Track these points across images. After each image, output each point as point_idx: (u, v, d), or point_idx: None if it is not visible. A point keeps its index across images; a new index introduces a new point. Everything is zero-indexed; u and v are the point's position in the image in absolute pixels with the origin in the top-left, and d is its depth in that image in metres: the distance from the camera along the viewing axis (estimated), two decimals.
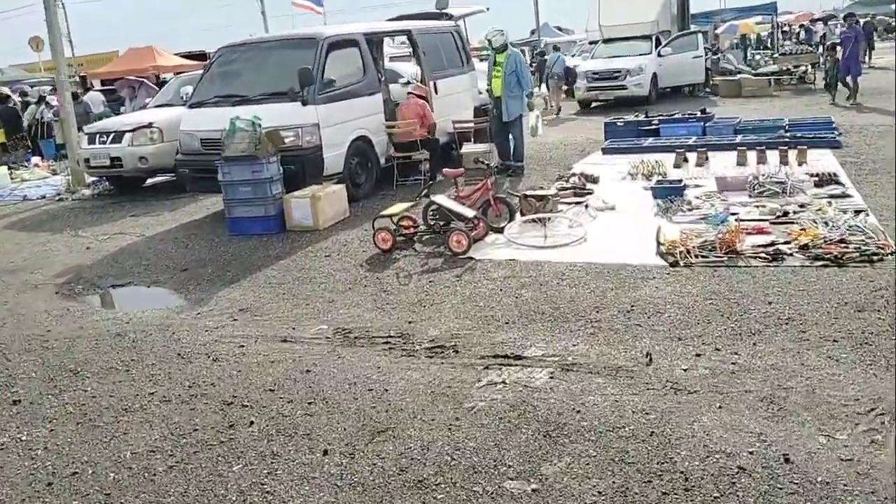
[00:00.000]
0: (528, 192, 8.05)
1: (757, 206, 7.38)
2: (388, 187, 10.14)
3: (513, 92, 10.46)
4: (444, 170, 7.69)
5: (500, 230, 7.30)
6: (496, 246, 6.97)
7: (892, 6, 44.46)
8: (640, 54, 19.41)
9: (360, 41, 9.92)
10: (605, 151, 11.71)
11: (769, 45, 29.76)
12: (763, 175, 8.55)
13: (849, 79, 16.08)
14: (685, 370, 4.10)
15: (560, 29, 42.34)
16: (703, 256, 6.00)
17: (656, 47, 19.72)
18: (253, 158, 8.01)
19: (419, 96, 10.22)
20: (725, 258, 5.91)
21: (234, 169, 8.11)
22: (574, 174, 9.64)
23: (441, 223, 7.31)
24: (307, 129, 8.72)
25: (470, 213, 6.97)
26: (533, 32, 40.27)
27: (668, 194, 8.14)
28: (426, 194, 7.18)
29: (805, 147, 9.67)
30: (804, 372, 3.96)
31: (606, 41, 20.52)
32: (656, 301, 5.17)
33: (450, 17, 13.16)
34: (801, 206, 7.28)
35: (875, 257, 5.58)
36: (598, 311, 5.09)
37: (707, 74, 21.13)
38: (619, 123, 13.25)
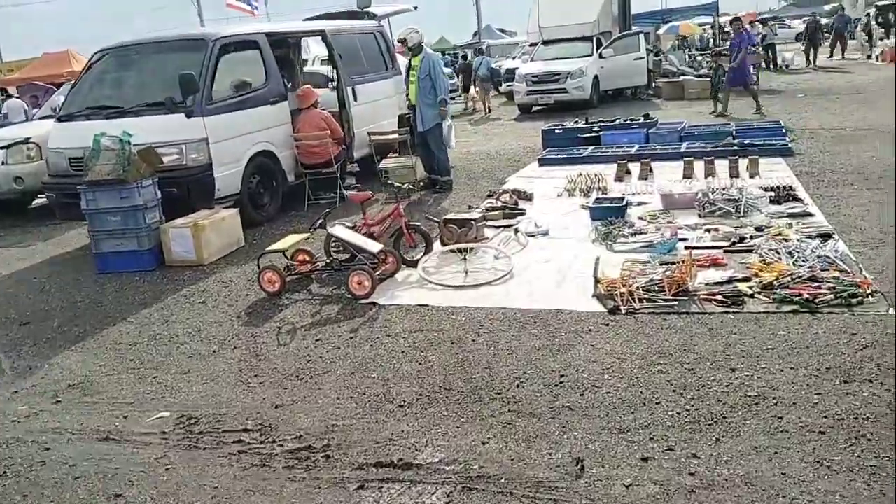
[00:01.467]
0: (449, 217, 6.90)
1: (708, 230, 6.35)
2: (299, 207, 8.89)
3: (427, 98, 9.32)
4: (349, 193, 6.49)
5: (415, 263, 6.13)
6: (407, 285, 5.80)
7: (826, 6, 44.85)
8: (581, 56, 18.50)
9: (261, 43, 8.63)
10: (542, 162, 10.65)
11: (710, 45, 29.25)
12: (713, 190, 7.57)
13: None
14: (627, 486, 2.98)
15: (503, 31, 41.48)
16: (648, 300, 4.92)
17: (597, 49, 18.83)
18: (122, 182, 6.68)
19: (314, 105, 8.94)
20: (675, 302, 4.84)
21: (100, 195, 6.76)
22: (505, 191, 8.52)
23: (343, 259, 6.10)
24: (193, 146, 7.40)
25: (375, 246, 5.78)
26: (476, 35, 39.33)
27: (608, 215, 7.08)
28: (321, 224, 5.94)
29: (756, 157, 8.73)
30: (788, 489, 2.88)
31: (546, 43, 19.56)
32: (592, 368, 4.06)
33: (373, 16, 11.96)
34: (759, 228, 6.28)
35: (854, 300, 4.56)
36: (519, 385, 3.95)
37: (650, 76, 20.36)
38: (557, 131, 12.21)
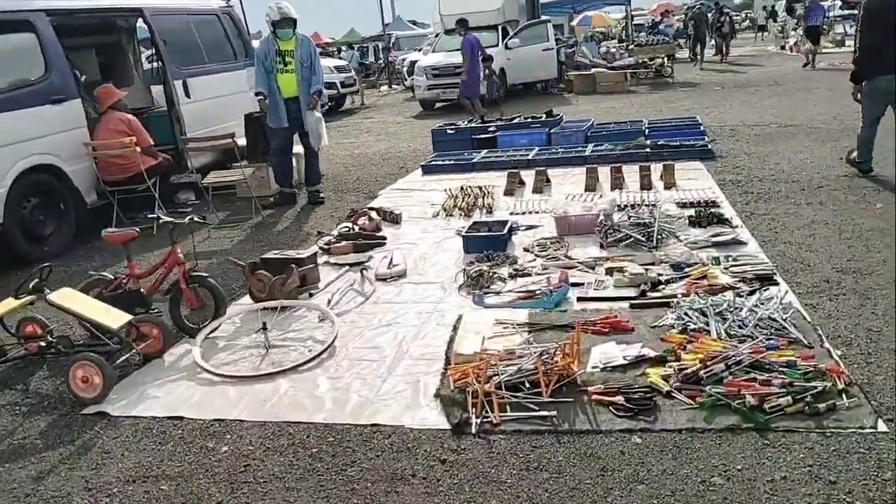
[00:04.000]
0: (267, 257, 5.01)
1: (610, 270, 4.65)
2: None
3: (309, 90, 7.42)
4: (105, 232, 4.50)
5: (199, 331, 4.21)
6: (175, 374, 3.88)
7: None
8: (487, 46, 16.75)
9: (37, 24, 6.50)
10: (426, 170, 8.85)
11: (623, 36, 28.11)
12: (619, 207, 5.93)
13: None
14: None
15: (414, 23, 39.60)
16: (514, 404, 3.15)
17: (503, 39, 17.19)
18: None
19: (115, 107, 6.90)
20: (555, 412, 3.09)
21: None
22: (370, 209, 6.65)
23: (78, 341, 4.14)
24: None
25: (118, 318, 3.81)
26: (386, 26, 37.33)
27: (486, 247, 5.34)
28: (35, 287, 3.91)
29: (672, 163, 7.14)
30: None
31: (448, 32, 17.76)
32: None
33: None
34: (677, 267, 4.62)
35: (822, 405, 2.90)
36: None
37: (560, 69, 18.88)
38: (449, 131, 10.44)
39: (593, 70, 17.91)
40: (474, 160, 8.77)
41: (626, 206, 6.14)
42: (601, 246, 5.26)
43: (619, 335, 3.76)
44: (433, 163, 8.99)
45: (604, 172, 7.30)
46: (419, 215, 6.72)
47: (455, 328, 4.06)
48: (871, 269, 4.39)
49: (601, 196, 6.67)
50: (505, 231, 5.45)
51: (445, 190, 7.10)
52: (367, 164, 10.01)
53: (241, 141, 8.15)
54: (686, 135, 9.02)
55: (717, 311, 3.74)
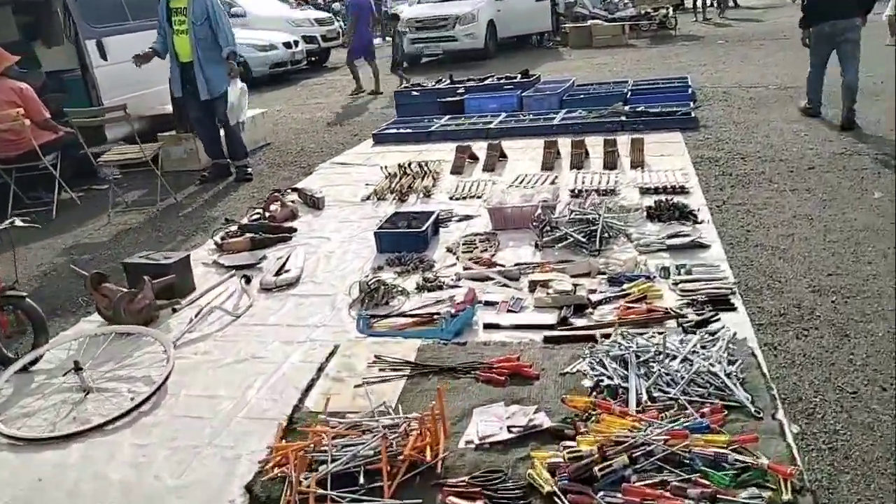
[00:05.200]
0: (131, 261, 4.14)
1: (534, 284, 3.74)
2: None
3: (209, 53, 6.45)
4: None
5: (24, 368, 3.38)
6: None
7: None
8: None
9: None
10: (377, 139, 7.87)
11: None
12: (575, 193, 5.00)
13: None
14: None
15: None
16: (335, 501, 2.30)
17: None
18: None
19: (4, 73, 5.99)
20: None
21: None
22: (277, 196, 5.66)
23: None
24: None
25: None
26: None
27: (401, 246, 4.44)
28: None
29: (642, 138, 6.12)
30: None
31: None
32: None
33: None
34: (615, 282, 3.71)
35: None
36: None
37: (557, 21, 17.59)
38: (414, 93, 9.40)
39: (589, 22, 16.59)
40: (431, 128, 7.77)
41: (578, 192, 5.19)
42: (536, 246, 4.34)
43: (517, 386, 2.87)
44: (386, 131, 8.00)
45: (568, 146, 6.30)
46: (349, 198, 5.80)
47: (321, 368, 3.19)
48: (857, 289, 3.46)
49: (556, 178, 5.70)
50: (426, 226, 4.52)
51: (382, 168, 6.15)
52: (321, 129, 9.03)
53: (169, 108, 7.25)
54: (671, 99, 7.98)
55: (641, 358, 2.83)
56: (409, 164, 6.11)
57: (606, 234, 4.28)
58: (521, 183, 5.57)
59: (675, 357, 2.82)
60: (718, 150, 6.16)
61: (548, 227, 4.38)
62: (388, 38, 21.56)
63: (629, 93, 8.43)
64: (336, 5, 24.77)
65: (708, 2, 20.14)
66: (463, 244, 4.50)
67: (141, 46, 7.03)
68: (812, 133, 6.36)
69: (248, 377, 3.19)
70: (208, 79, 6.46)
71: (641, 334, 3.03)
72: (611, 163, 5.91)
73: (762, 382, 2.70)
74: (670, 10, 18.55)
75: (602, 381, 2.76)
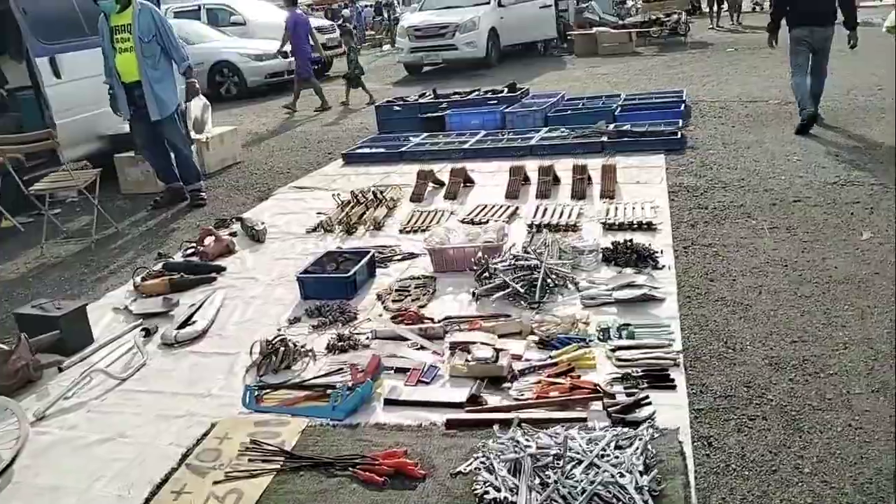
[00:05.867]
0: (23, 311, 3.74)
1: (455, 346, 3.26)
2: None
3: (157, 72, 6.06)
4: None
5: None
6: None
7: None
8: (478, 3, 15.06)
9: None
10: (348, 159, 7.43)
11: None
12: (513, 241, 4.51)
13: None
14: None
15: None
16: None
17: None
18: None
19: None
20: None
21: None
22: (210, 230, 5.21)
23: None
24: None
25: None
26: None
27: (327, 293, 3.99)
28: None
29: (613, 164, 5.60)
30: None
31: None
32: None
33: None
34: (547, 344, 3.22)
35: None
36: None
37: (562, 28, 17.06)
38: (396, 108, 8.96)
39: (595, 29, 16.00)
40: (405, 148, 7.31)
41: (538, 226, 4.70)
42: (474, 296, 3.86)
43: (396, 491, 2.41)
44: (358, 150, 7.56)
45: (545, 171, 5.78)
46: (296, 230, 5.36)
47: (186, 455, 2.74)
48: (822, 364, 2.93)
49: (517, 209, 5.21)
50: (352, 272, 4.06)
51: (334, 195, 5.70)
52: (296, 147, 8.62)
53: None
54: (662, 115, 7.45)
55: (540, 462, 2.34)
56: (363, 192, 5.65)
57: (550, 283, 3.79)
58: (476, 215, 5.08)
59: (580, 462, 2.32)
60: (700, 176, 5.62)
61: (487, 274, 3.89)
62: (383, 48, 21.01)
63: (619, 108, 7.92)
64: (346, 12, 24.49)
65: (724, 7, 19.43)
66: (396, 290, 4.04)
67: (98, 64, 6.64)
68: (805, 158, 5.80)
69: (104, 464, 2.76)
70: (159, 98, 6.07)
71: (547, 428, 2.54)
72: (579, 192, 5.41)
73: (681, 495, 2.21)
74: (683, 15, 17.95)
75: (488, 492, 2.27)
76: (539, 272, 3.77)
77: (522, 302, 3.69)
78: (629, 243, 4.19)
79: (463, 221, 5.00)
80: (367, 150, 7.51)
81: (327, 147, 8.42)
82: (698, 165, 5.92)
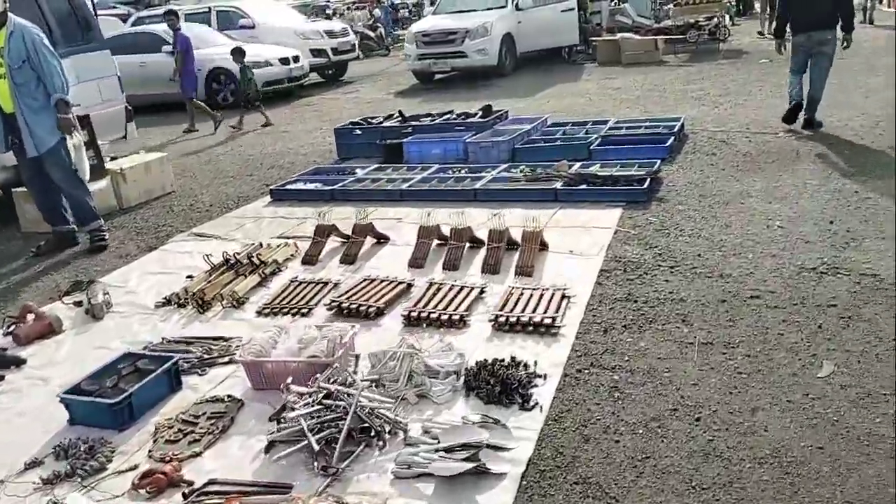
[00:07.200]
0: None
1: None
2: None
3: (35, 102, 5.22)
4: None
5: None
6: None
7: None
8: (493, 7, 13.89)
9: None
10: (276, 196, 6.47)
11: None
12: (360, 354, 3.49)
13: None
14: None
15: None
16: None
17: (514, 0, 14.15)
18: None
19: None
20: None
21: None
22: (30, 307, 4.25)
23: None
24: None
25: None
26: None
27: (100, 420, 3.05)
28: None
29: (539, 232, 4.44)
30: None
31: None
32: None
33: None
34: None
35: None
36: None
37: (593, 32, 15.73)
38: (356, 132, 7.96)
39: (618, 36, 14.59)
40: (336, 187, 6.30)
41: (416, 318, 3.65)
42: (267, 448, 2.83)
43: None
44: (287, 186, 6.58)
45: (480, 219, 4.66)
46: (148, 301, 4.41)
47: None
48: None
49: (405, 289, 4.14)
50: (128, 392, 3.08)
51: (205, 257, 4.73)
52: (242, 172, 7.71)
53: None
54: (643, 151, 6.28)
55: None
56: (239, 254, 4.67)
57: (366, 433, 2.74)
58: (352, 296, 4.03)
59: None
60: (650, 246, 4.43)
61: (283, 418, 2.86)
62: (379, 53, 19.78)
63: (599, 139, 6.74)
64: (377, 11, 23.53)
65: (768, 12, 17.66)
66: (182, 420, 3.05)
67: None
68: (790, 225, 4.54)
69: None
70: (34, 132, 5.24)
71: None
72: (492, 265, 4.31)
73: None
74: (726, 18, 16.34)
75: None
76: (345, 420, 2.72)
77: (316, 464, 2.65)
78: (498, 366, 3.10)
79: (330, 305, 3.96)
80: (296, 187, 6.52)
81: (275, 174, 7.49)
82: (656, 228, 4.72)
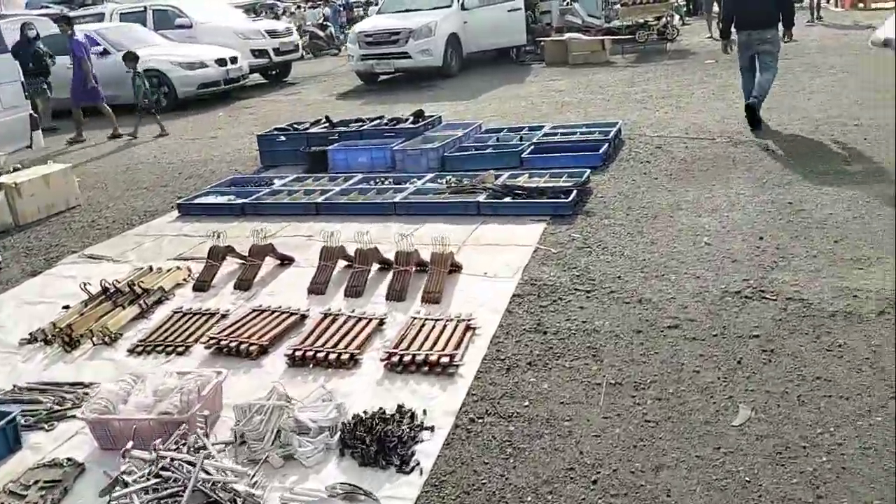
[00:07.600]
0: None
1: None
2: None
3: None
4: None
5: None
6: None
7: None
8: (438, 7, 13.49)
9: None
10: (184, 211, 5.98)
11: None
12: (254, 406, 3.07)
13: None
14: None
15: None
16: None
17: None
18: None
19: None
20: None
21: None
22: None
23: None
24: None
25: None
26: None
27: None
28: None
29: (450, 253, 4.06)
30: None
31: None
32: None
33: None
34: None
35: None
36: None
37: (534, 33, 15.43)
38: (281, 138, 7.51)
39: (566, 36, 14.32)
40: (248, 201, 5.85)
41: (302, 357, 3.23)
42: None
43: None
44: (196, 200, 6.10)
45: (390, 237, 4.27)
46: (16, 337, 3.93)
47: None
48: None
49: (297, 321, 3.73)
50: None
51: (82, 285, 4.24)
52: (157, 183, 7.20)
53: None
54: (576, 159, 5.94)
55: None
56: (119, 282, 4.20)
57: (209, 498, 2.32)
58: (234, 331, 3.60)
59: None
60: (569, 267, 4.08)
61: (116, 485, 2.43)
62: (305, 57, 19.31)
63: (531, 147, 6.40)
64: (326, 10, 22.96)
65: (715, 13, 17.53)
66: (9, 492, 2.60)
67: None
68: (718, 242, 4.23)
69: None
70: None
71: None
72: (398, 291, 3.91)
73: None
74: (675, 18, 16.18)
75: None
76: (184, 494, 2.30)
77: None
78: (377, 421, 2.71)
79: (208, 343, 3.52)
80: (206, 200, 6.05)
81: (192, 184, 7.00)
82: (578, 246, 4.38)
